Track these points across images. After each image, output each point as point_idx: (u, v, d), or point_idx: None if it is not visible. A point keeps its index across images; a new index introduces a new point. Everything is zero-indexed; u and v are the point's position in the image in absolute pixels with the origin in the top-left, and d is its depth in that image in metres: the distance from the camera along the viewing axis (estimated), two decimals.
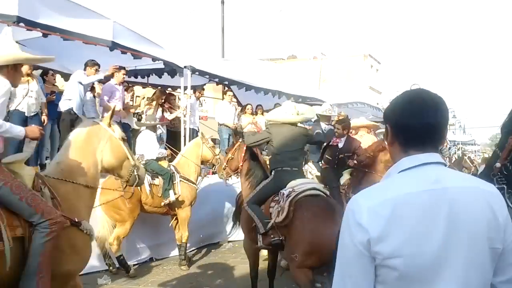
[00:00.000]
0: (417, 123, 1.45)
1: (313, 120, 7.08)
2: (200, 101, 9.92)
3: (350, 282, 1.41)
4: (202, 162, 7.40)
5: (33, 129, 3.26)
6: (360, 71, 34.23)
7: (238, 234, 8.77)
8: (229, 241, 8.51)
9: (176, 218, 6.93)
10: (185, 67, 8.12)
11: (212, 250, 7.94)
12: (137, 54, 7.46)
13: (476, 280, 1.38)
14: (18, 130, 3.11)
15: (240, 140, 5.87)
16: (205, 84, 10.95)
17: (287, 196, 4.64)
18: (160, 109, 9.06)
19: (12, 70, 3.08)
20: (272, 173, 5.19)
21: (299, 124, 5.34)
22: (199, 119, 8.75)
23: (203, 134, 7.69)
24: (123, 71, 7.70)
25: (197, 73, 8.43)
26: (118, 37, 7.10)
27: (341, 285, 1.43)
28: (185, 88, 8.47)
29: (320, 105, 12.56)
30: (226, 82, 9.40)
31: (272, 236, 4.70)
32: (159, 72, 9.07)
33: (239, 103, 11.87)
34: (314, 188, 4.87)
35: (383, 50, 38.77)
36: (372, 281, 1.40)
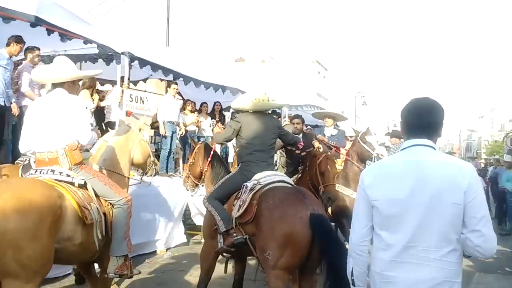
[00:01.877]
0: (415, 121, 2.25)
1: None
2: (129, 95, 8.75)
3: (356, 217, 2.33)
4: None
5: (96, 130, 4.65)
6: (307, 77, 34.22)
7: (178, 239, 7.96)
8: (167, 249, 7.64)
9: None
10: (122, 53, 7.13)
11: (146, 261, 6.99)
12: (65, 34, 6.42)
13: (433, 224, 2.08)
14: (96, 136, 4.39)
15: (200, 143, 5.61)
16: (147, 79, 9.98)
17: (250, 189, 4.13)
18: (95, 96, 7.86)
19: (72, 85, 3.87)
20: (239, 165, 4.60)
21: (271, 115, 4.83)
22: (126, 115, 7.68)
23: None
24: (37, 52, 6.58)
25: (136, 61, 7.45)
26: (43, 12, 6.08)
27: (353, 220, 2.36)
28: (122, 79, 7.42)
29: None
30: (171, 75, 8.43)
31: (235, 235, 4.08)
32: (93, 59, 8.00)
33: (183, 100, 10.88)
34: (282, 181, 4.30)
35: (330, 57, 39.49)
36: (371, 218, 2.26)
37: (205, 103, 10.65)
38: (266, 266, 3.82)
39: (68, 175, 3.62)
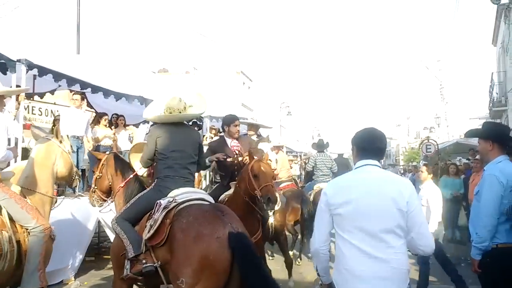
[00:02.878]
0: (367, 146, 2.90)
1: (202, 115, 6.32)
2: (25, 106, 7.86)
3: (317, 226, 2.87)
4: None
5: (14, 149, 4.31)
6: (232, 87, 34.10)
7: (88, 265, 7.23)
8: (76, 278, 6.88)
9: None
10: (18, 60, 6.35)
11: None
12: None
13: (381, 224, 2.65)
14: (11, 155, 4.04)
15: (107, 153, 5.01)
16: (55, 90, 9.09)
17: (164, 207, 3.65)
18: None
19: None
20: (155, 181, 4.10)
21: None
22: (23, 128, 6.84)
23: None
24: None
25: (35, 69, 6.67)
26: None
27: (314, 229, 2.91)
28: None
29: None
30: (77, 85, 7.69)
31: (144, 261, 3.58)
32: None
33: (96, 113, 10.07)
34: (201, 199, 3.87)
35: (254, 67, 39.76)
36: (330, 227, 2.82)
37: (121, 115, 9.95)
38: None
39: None
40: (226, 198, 5.19)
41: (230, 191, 5.25)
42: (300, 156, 23.16)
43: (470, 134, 4.67)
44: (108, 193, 4.73)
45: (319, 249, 2.82)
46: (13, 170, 4.45)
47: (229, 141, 5.61)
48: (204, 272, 3.28)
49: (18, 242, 3.65)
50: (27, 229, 3.77)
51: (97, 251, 8.29)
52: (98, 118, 9.39)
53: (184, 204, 3.73)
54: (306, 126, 48.41)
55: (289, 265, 6.46)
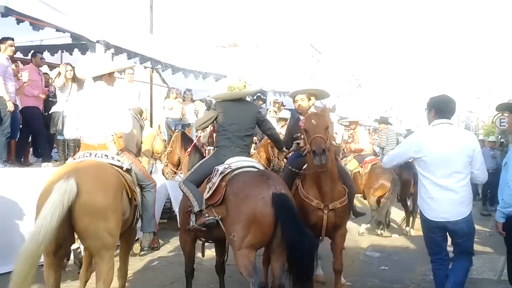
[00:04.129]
0: (444, 108, 4.05)
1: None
2: None
3: (397, 156, 4.42)
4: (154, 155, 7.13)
5: None
6: (301, 60, 34.01)
7: None
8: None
9: None
10: (97, 41, 7.04)
11: None
12: (36, 23, 6.33)
13: (454, 167, 3.90)
14: None
15: (177, 131, 5.71)
16: (131, 67, 9.87)
17: (220, 172, 4.21)
18: (74, 87, 7.76)
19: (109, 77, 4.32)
20: (214, 150, 4.68)
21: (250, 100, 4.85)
22: None
23: (159, 126, 6.97)
24: (10, 42, 6.56)
25: (112, 49, 7.37)
26: (12, 1, 6.02)
27: (394, 154, 4.54)
28: None
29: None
30: (149, 62, 8.37)
31: (206, 215, 4.14)
32: (68, 48, 7.94)
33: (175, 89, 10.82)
34: (252, 166, 4.37)
35: (324, 40, 39.23)
36: (404, 160, 4.44)
37: (189, 90, 10.62)
38: (233, 248, 3.92)
39: (118, 160, 4.07)
40: None
41: None
42: (371, 130, 22.87)
43: (501, 108, 4.73)
44: (178, 165, 5.46)
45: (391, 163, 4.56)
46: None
47: (301, 117, 5.36)
48: (251, 227, 3.78)
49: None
50: (141, 186, 4.39)
51: (169, 214, 9.07)
52: (168, 92, 10.14)
53: (238, 171, 4.21)
54: (377, 100, 47.16)
55: None
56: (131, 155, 4.43)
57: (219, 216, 4.11)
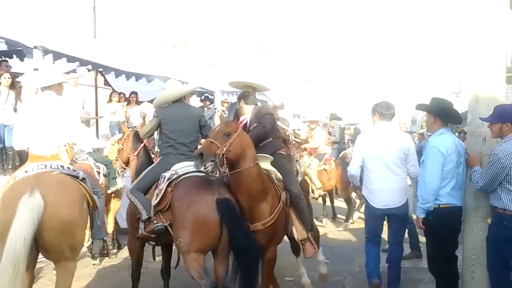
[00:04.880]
0: (386, 112, 4.85)
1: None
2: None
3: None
4: None
5: None
6: (251, 59, 34.22)
7: None
8: None
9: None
10: (34, 47, 6.94)
11: None
12: None
13: (398, 162, 4.78)
14: None
15: (130, 129, 5.86)
16: (72, 71, 9.72)
17: (168, 179, 4.29)
18: (11, 95, 7.55)
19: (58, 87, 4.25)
20: (160, 158, 4.76)
21: (196, 104, 4.99)
22: None
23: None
24: None
25: (50, 54, 7.25)
26: None
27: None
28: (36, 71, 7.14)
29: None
30: (89, 66, 8.30)
31: (155, 222, 4.23)
32: (5, 55, 7.74)
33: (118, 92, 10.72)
34: (199, 171, 4.38)
35: (274, 38, 39.44)
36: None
37: (134, 92, 10.57)
38: (181, 253, 4.07)
39: (74, 170, 4.07)
40: None
41: None
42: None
43: (419, 107, 4.94)
44: (127, 163, 5.72)
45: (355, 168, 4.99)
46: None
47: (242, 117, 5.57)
48: (197, 232, 3.92)
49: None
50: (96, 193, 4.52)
51: None
52: (110, 95, 10.13)
53: (183, 176, 4.33)
54: (327, 95, 48.14)
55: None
56: (80, 164, 4.50)
57: (168, 222, 4.21)
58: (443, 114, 4.41)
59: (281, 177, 4.77)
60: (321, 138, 9.95)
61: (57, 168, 3.92)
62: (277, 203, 4.40)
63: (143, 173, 4.82)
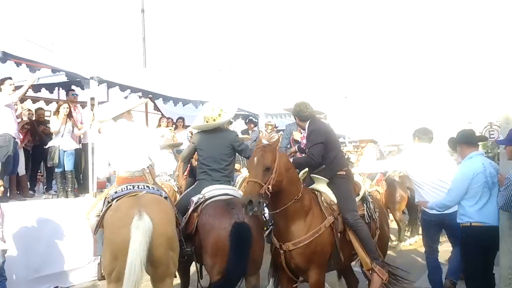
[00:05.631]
0: (424, 136, 5.41)
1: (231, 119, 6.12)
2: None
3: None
4: None
5: None
6: (292, 82, 34.49)
7: None
8: None
9: None
10: (91, 78, 7.51)
11: None
12: (33, 66, 6.77)
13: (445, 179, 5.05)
14: None
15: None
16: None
17: (195, 203, 4.49)
18: (69, 123, 8.00)
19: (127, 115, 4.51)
20: (196, 183, 4.94)
21: (230, 127, 5.10)
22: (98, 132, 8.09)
23: None
24: (8, 81, 6.81)
25: (105, 83, 7.84)
26: (10, 46, 6.51)
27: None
28: (92, 99, 7.76)
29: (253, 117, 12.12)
30: (140, 93, 8.84)
31: (183, 247, 4.41)
32: (66, 86, 8.39)
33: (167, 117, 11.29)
34: (226, 194, 4.62)
35: (315, 60, 39.80)
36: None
37: (181, 117, 11.09)
38: (209, 274, 4.32)
39: (158, 190, 4.29)
40: None
41: None
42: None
43: (449, 144, 5.19)
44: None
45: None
46: None
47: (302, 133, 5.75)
48: (217, 255, 4.15)
49: None
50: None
51: None
52: (159, 120, 10.72)
53: (209, 201, 4.51)
54: (374, 117, 47.36)
55: None
56: (162, 184, 4.81)
57: (193, 247, 4.44)
58: (464, 139, 4.79)
59: (335, 201, 4.47)
60: (373, 157, 9.65)
61: (144, 188, 4.12)
62: (317, 225, 4.24)
63: (180, 196, 5.10)
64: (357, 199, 4.70)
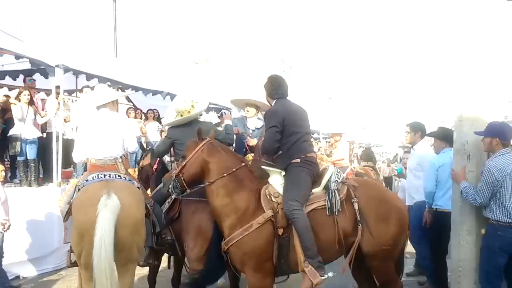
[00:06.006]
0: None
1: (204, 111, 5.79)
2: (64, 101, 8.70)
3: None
4: None
5: None
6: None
7: None
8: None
9: None
10: (56, 65, 7.38)
11: None
12: None
13: None
14: None
15: (148, 148, 5.94)
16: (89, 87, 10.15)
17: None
18: (31, 110, 7.79)
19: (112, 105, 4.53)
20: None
21: (205, 118, 5.11)
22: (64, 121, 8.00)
23: None
24: None
25: (71, 72, 7.69)
26: None
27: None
28: (57, 88, 7.60)
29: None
30: (109, 83, 8.69)
31: (163, 236, 4.52)
32: (30, 73, 8.20)
33: (136, 108, 11.21)
34: None
35: (294, 55, 39.87)
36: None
37: (152, 109, 10.98)
38: (187, 257, 4.47)
39: (130, 180, 4.31)
40: None
41: None
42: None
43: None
44: (146, 181, 5.64)
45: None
46: None
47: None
48: (198, 237, 4.33)
49: None
50: None
51: None
52: (127, 111, 10.57)
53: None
54: (349, 113, 48.00)
55: None
56: (131, 174, 4.74)
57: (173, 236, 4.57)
58: (442, 135, 5.66)
59: (280, 192, 4.00)
60: (346, 151, 9.65)
61: (115, 178, 4.14)
62: (248, 222, 3.87)
63: (160, 185, 4.99)
64: (319, 189, 4.06)
